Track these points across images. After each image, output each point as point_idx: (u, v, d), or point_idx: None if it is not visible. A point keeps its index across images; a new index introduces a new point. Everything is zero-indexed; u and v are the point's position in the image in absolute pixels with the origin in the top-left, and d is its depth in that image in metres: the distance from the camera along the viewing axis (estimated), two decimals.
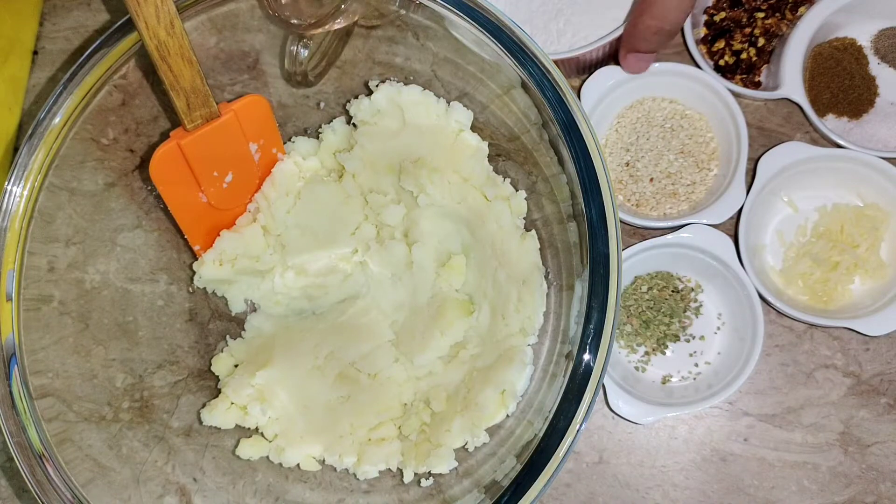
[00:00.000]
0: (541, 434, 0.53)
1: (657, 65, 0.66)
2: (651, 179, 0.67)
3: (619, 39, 0.64)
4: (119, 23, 0.59)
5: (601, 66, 0.68)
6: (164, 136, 0.61)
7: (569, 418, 0.52)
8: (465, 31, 0.56)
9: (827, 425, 0.64)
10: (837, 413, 0.64)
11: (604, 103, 0.67)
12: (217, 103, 0.60)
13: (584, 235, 0.51)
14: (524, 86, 0.55)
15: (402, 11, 0.60)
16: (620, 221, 0.63)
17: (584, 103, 0.67)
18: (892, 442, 0.63)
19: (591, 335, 0.51)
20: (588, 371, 0.51)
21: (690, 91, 0.67)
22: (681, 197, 0.67)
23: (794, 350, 0.65)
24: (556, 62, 0.61)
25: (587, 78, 0.67)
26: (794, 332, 0.65)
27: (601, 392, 0.63)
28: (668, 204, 0.67)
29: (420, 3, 0.57)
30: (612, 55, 0.68)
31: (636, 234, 0.67)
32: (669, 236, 0.64)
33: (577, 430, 0.51)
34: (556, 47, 0.66)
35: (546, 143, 0.56)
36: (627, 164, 0.68)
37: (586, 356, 0.51)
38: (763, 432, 0.64)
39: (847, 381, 0.64)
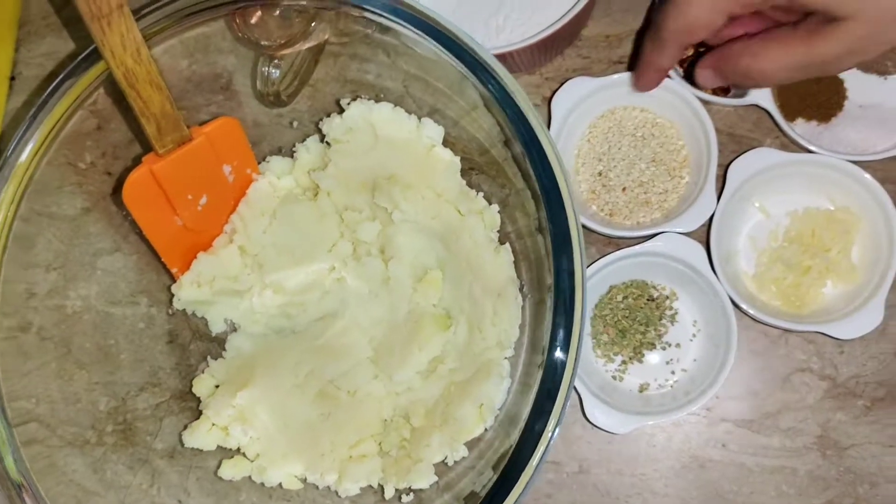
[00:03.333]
0: (515, 444, 0.54)
1: (627, 74, 0.66)
2: (624, 189, 0.67)
3: (557, 34, 0.63)
4: (88, 50, 0.60)
5: (542, 62, 0.68)
6: (140, 159, 0.61)
7: (540, 428, 0.52)
8: (426, 49, 0.57)
9: (804, 429, 0.64)
10: (814, 416, 0.64)
11: (575, 113, 0.67)
12: (189, 126, 0.60)
13: (549, 250, 0.51)
14: (486, 104, 0.55)
15: (368, 31, 0.61)
16: (594, 232, 0.67)
17: (554, 113, 0.67)
18: (869, 444, 0.63)
19: (559, 347, 0.52)
20: (558, 380, 0.52)
21: (661, 99, 0.67)
22: (653, 206, 0.67)
23: (769, 355, 0.65)
24: (498, 56, 0.62)
25: (558, 89, 0.67)
26: (769, 337, 0.66)
27: (577, 401, 0.63)
28: (642, 213, 0.67)
29: (380, 23, 0.58)
30: (548, 50, 0.68)
31: (611, 243, 0.68)
32: (642, 245, 0.64)
33: (550, 439, 0.52)
34: (494, 42, 0.66)
35: (510, 160, 0.57)
36: (600, 174, 0.68)
37: (555, 367, 0.52)
38: (741, 438, 0.64)
39: (823, 384, 0.64)
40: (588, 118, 0.69)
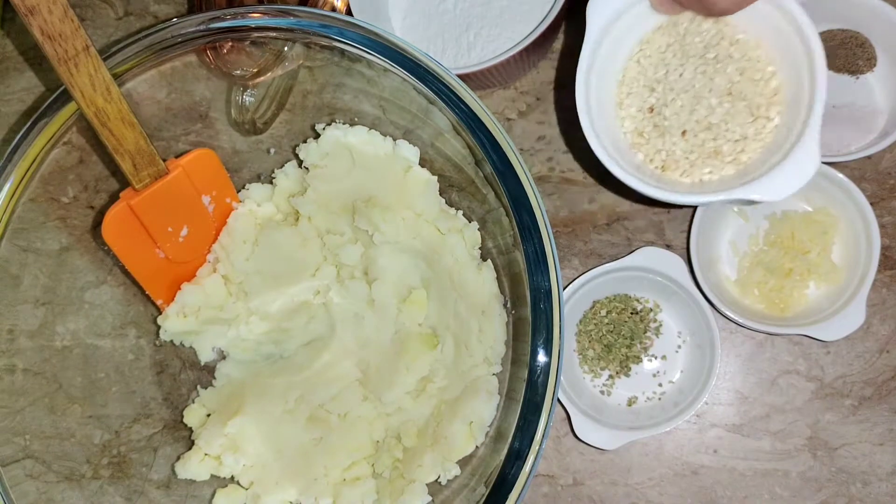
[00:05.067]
0: (503, 459, 0.54)
1: None
2: (684, 132, 0.51)
3: (527, 50, 0.62)
4: (62, 88, 0.60)
5: (516, 76, 0.66)
6: (122, 191, 0.62)
7: (527, 442, 0.53)
8: (395, 75, 0.57)
9: (794, 431, 0.64)
10: (803, 418, 0.64)
11: (621, 23, 0.52)
12: (165, 159, 0.61)
13: (524, 268, 0.52)
14: (455, 128, 0.56)
15: (337, 59, 0.61)
16: (638, 192, 0.52)
17: (591, 21, 0.51)
18: (859, 443, 0.63)
19: (540, 362, 0.53)
20: (542, 393, 0.53)
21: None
22: (725, 157, 0.50)
23: (756, 359, 0.65)
24: (469, 75, 0.62)
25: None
26: (755, 341, 0.66)
27: (567, 416, 0.63)
28: (707, 167, 0.51)
29: (349, 52, 0.58)
30: (521, 64, 0.68)
31: (592, 254, 0.68)
32: (622, 260, 0.64)
33: (538, 452, 0.53)
34: (465, 60, 0.66)
35: (482, 179, 0.57)
36: (652, 110, 0.52)
37: (538, 380, 0.53)
38: (732, 443, 0.65)
39: (810, 385, 0.64)
40: (639, 30, 0.53)
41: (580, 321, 0.66)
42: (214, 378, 0.68)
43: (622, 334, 0.65)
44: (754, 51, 0.51)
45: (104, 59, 0.55)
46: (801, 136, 0.47)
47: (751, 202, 0.48)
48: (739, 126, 0.50)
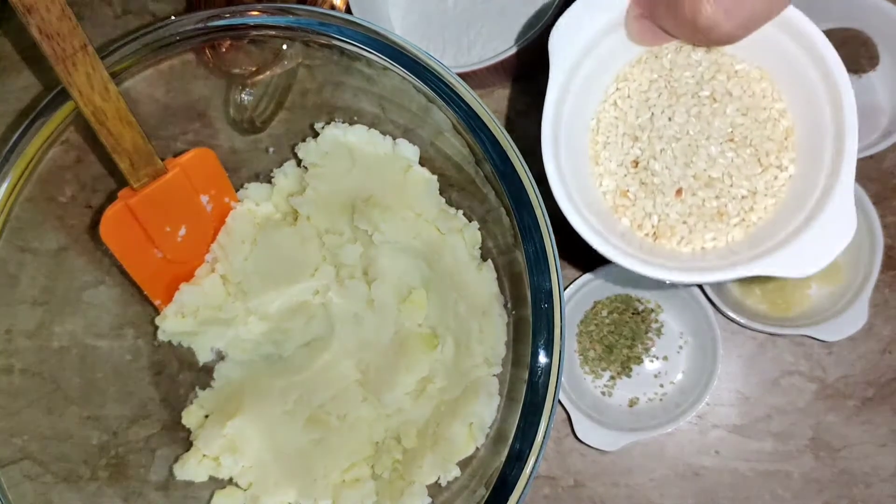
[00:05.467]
0: (504, 460, 0.53)
1: None
2: (679, 191, 0.41)
3: (527, 48, 0.62)
4: (57, 89, 0.59)
5: (516, 75, 0.66)
6: (120, 190, 0.61)
7: (528, 443, 0.53)
8: (395, 74, 0.57)
9: (796, 432, 0.64)
10: (806, 419, 0.64)
11: (592, 58, 0.42)
12: (164, 158, 0.60)
13: (525, 269, 0.51)
14: (455, 127, 0.55)
15: (336, 58, 0.61)
16: (624, 269, 0.44)
17: (555, 60, 0.43)
18: (861, 444, 0.63)
19: (541, 363, 0.52)
20: (542, 394, 0.53)
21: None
22: (731, 218, 0.41)
23: (757, 359, 0.65)
24: (469, 74, 0.62)
25: (552, 26, 0.43)
26: (756, 341, 0.65)
27: (568, 417, 0.63)
28: (710, 232, 0.41)
29: (349, 51, 0.58)
30: (522, 63, 0.67)
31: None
32: None
33: (538, 453, 0.52)
34: (465, 59, 0.66)
35: (482, 179, 0.57)
36: (636, 164, 0.43)
37: (539, 381, 0.52)
38: (734, 444, 0.64)
39: (812, 386, 0.64)
40: (615, 66, 0.43)
41: (581, 321, 0.66)
42: (213, 379, 0.68)
43: (623, 335, 0.64)
44: (758, 84, 0.41)
45: (102, 58, 0.54)
46: (829, 192, 0.37)
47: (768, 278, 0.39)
48: (746, 179, 0.40)
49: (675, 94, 0.42)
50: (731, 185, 0.41)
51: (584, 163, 0.44)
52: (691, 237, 0.42)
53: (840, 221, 0.37)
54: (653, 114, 0.42)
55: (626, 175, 0.43)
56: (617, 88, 0.43)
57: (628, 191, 0.43)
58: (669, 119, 0.42)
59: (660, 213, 0.42)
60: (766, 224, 0.40)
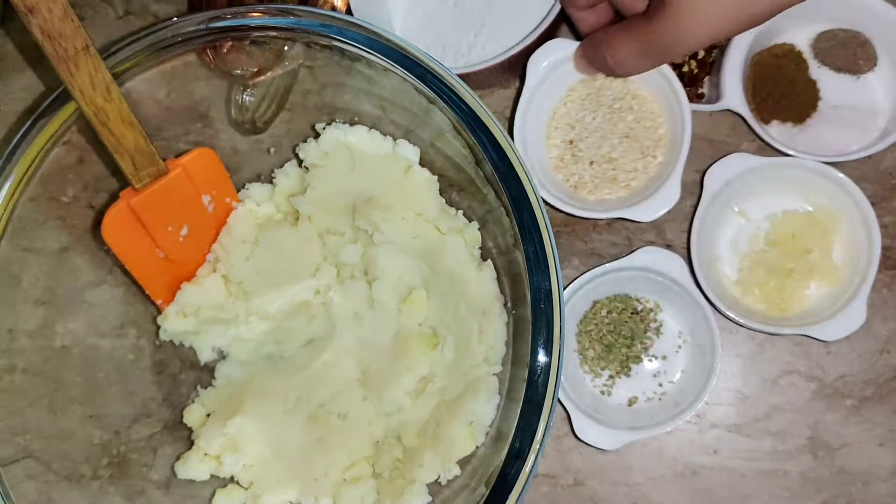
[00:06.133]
0: (504, 459, 0.54)
1: None
2: (591, 162, 0.65)
3: (528, 49, 0.64)
4: (59, 90, 0.60)
5: (517, 75, 0.68)
6: (122, 190, 0.61)
7: (527, 442, 0.53)
8: (395, 75, 0.57)
9: (794, 431, 0.64)
10: (804, 418, 0.64)
11: (555, 74, 0.65)
12: (165, 159, 0.61)
13: (524, 268, 0.52)
14: (456, 128, 0.56)
15: (337, 59, 0.61)
16: (553, 208, 0.64)
17: (530, 72, 0.64)
18: (859, 443, 0.63)
19: (541, 362, 0.53)
20: (542, 393, 0.53)
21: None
22: (620, 183, 0.65)
23: (756, 358, 0.65)
24: (469, 74, 0.63)
25: (534, 50, 0.64)
26: (755, 341, 0.66)
27: (568, 415, 0.63)
28: (607, 189, 0.65)
29: (350, 52, 0.58)
30: (524, 62, 0.67)
31: (593, 254, 0.68)
32: (623, 260, 0.64)
33: (538, 452, 0.53)
34: (466, 60, 0.66)
35: (482, 179, 0.57)
36: (571, 143, 0.66)
37: (538, 380, 0.53)
38: (732, 443, 0.64)
39: (811, 385, 0.64)
40: (568, 81, 0.66)
41: (580, 321, 0.66)
42: (214, 378, 0.68)
43: (622, 334, 0.65)
44: (649, 105, 0.65)
45: (104, 59, 0.54)
46: (670, 175, 0.61)
47: (633, 221, 0.63)
48: (632, 161, 0.65)
49: (599, 104, 0.66)
50: (623, 163, 0.65)
51: (541, 138, 0.67)
52: (595, 191, 0.65)
53: (672, 191, 0.61)
54: (585, 114, 0.66)
55: (564, 148, 0.66)
56: (567, 95, 0.67)
57: (563, 158, 0.66)
58: (593, 118, 0.66)
59: (580, 174, 0.66)
60: (640, 189, 0.64)
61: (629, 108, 0.65)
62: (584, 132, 0.65)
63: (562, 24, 0.68)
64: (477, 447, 0.60)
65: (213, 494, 0.64)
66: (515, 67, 0.67)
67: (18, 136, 0.60)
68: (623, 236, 0.68)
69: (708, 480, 0.64)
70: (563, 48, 0.64)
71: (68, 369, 0.65)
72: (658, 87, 0.64)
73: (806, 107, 0.66)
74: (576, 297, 0.64)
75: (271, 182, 0.68)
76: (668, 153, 0.64)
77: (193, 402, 0.67)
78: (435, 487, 0.61)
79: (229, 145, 0.68)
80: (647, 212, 0.61)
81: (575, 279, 0.64)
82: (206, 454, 0.64)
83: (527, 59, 0.67)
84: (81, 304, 0.66)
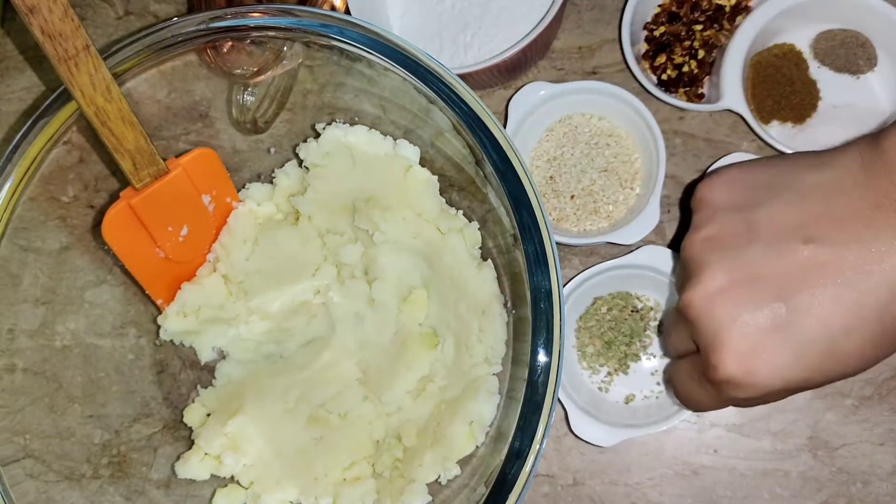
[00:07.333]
0: (503, 459, 0.54)
1: (585, 83, 0.66)
2: (572, 196, 0.67)
3: (525, 50, 0.64)
4: (59, 89, 0.60)
5: (514, 76, 0.69)
6: (122, 190, 0.62)
7: (527, 442, 0.53)
8: (395, 75, 0.57)
9: (794, 431, 0.64)
10: (804, 418, 0.64)
11: (534, 115, 0.68)
12: (165, 159, 0.61)
13: (524, 268, 0.52)
14: (456, 128, 0.56)
15: (336, 58, 0.61)
16: None
17: (511, 115, 0.67)
18: (859, 443, 0.63)
19: (541, 362, 0.53)
20: (542, 393, 0.53)
21: (619, 110, 0.67)
22: (601, 215, 0.67)
23: None
24: (467, 75, 0.63)
25: (515, 93, 0.67)
26: None
27: (563, 414, 0.63)
28: (589, 221, 0.67)
29: (349, 51, 0.58)
30: (520, 65, 0.68)
31: (593, 253, 0.68)
32: (625, 258, 0.64)
33: (538, 452, 0.53)
34: (462, 60, 0.66)
35: (482, 179, 0.57)
36: (551, 178, 0.68)
37: (538, 380, 0.53)
38: (732, 442, 0.64)
39: None
40: (546, 122, 0.69)
41: (581, 317, 0.66)
42: (214, 378, 0.68)
43: (622, 332, 0.65)
44: (625, 141, 0.68)
45: (104, 59, 0.54)
46: (648, 201, 0.64)
47: (617, 244, 0.66)
48: (612, 193, 0.67)
49: (578, 141, 0.69)
50: (603, 196, 0.67)
51: None
52: (578, 223, 0.68)
53: (649, 216, 0.64)
54: (564, 150, 0.69)
55: (545, 184, 0.69)
56: (546, 134, 0.69)
57: (545, 194, 0.69)
58: (572, 154, 0.69)
59: (561, 208, 0.68)
60: (621, 219, 0.67)
61: (606, 145, 0.68)
62: (562, 167, 0.68)
63: (559, 25, 0.69)
64: (477, 447, 0.60)
65: (213, 494, 0.64)
66: (514, 69, 0.67)
67: (18, 136, 0.60)
68: None
69: (707, 480, 0.64)
70: (541, 91, 0.67)
71: (68, 369, 0.65)
72: (634, 125, 0.67)
73: (805, 107, 0.66)
74: (577, 294, 0.64)
75: (271, 182, 0.68)
76: (644, 185, 0.67)
77: (193, 401, 0.67)
78: (435, 487, 0.61)
79: (229, 145, 0.68)
80: (630, 236, 0.64)
81: (577, 275, 0.64)
82: (206, 454, 0.64)
83: (526, 60, 0.67)
84: (81, 303, 0.67)
